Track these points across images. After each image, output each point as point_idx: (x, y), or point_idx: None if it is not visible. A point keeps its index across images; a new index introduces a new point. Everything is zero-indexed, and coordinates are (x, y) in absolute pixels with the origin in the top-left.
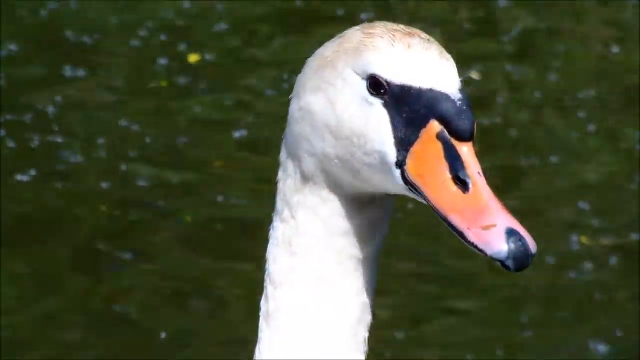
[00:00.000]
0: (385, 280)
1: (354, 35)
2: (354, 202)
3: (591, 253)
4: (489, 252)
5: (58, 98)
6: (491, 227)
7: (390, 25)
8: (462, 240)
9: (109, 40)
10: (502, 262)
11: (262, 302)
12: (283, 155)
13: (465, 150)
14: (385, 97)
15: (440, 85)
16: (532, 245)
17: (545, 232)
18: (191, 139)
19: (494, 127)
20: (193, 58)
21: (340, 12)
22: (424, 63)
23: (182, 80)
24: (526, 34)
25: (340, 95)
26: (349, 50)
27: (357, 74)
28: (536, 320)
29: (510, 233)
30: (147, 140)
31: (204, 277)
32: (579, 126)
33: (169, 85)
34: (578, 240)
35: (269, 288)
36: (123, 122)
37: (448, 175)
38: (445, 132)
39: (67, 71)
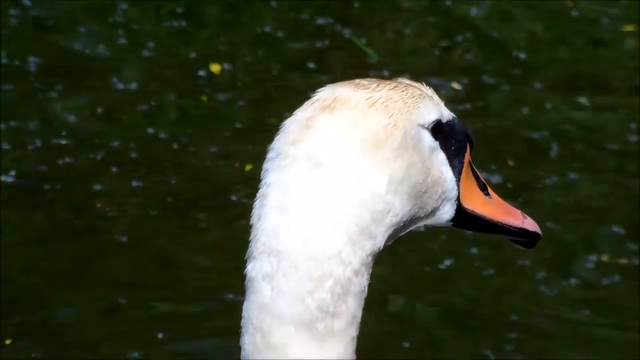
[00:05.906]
0: None
1: (394, 94)
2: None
3: None
4: (540, 232)
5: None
6: (524, 215)
7: (386, 80)
8: (521, 236)
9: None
10: (536, 241)
11: None
12: (343, 257)
13: None
14: (439, 137)
15: (450, 114)
16: None
17: None
18: (222, 150)
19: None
20: (215, 68)
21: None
22: (438, 99)
23: (221, 96)
24: None
25: (420, 153)
26: (410, 109)
27: (423, 127)
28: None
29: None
30: None
31: None
32: None
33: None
34: None
35: None
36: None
37: (478, 189)
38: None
39: None
